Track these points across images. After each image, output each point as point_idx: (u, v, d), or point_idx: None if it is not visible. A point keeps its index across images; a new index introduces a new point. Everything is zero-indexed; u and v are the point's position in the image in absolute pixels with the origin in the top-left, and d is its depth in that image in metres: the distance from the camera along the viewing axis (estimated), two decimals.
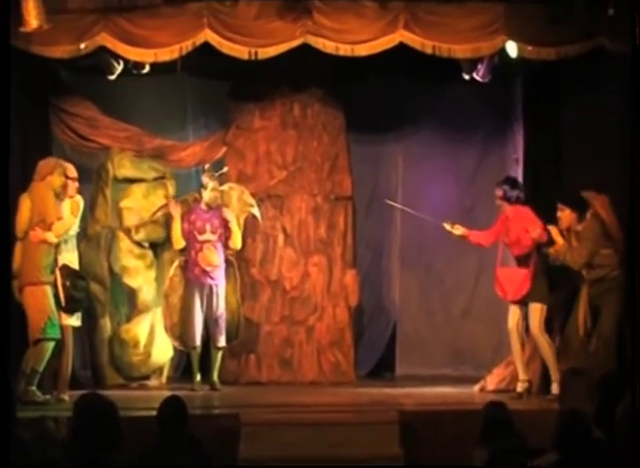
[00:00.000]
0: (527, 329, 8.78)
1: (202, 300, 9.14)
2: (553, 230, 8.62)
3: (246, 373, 9.81)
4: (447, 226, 9.07)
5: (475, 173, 10.02)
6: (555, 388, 8.47)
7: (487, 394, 8.76)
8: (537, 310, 8.66)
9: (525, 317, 8.78)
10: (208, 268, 9.14)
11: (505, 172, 9.99)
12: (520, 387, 8.73)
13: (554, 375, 8.60)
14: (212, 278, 9.17)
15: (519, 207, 8.80)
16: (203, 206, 9.29)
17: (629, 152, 4.76)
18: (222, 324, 9.23)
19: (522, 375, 8.77)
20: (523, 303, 8.75)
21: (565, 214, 8.62)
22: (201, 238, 9.18)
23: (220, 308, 9.20)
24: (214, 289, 9.17)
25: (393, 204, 9.88)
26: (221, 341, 9.24)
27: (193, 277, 9.19)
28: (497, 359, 9.45)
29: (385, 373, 10.53)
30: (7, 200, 4.70)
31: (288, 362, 9.87)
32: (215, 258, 9.17)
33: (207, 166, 9.51)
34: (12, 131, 4.64)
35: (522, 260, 8.79)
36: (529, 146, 9.86)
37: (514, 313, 8.80)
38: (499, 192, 8.84)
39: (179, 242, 9.27)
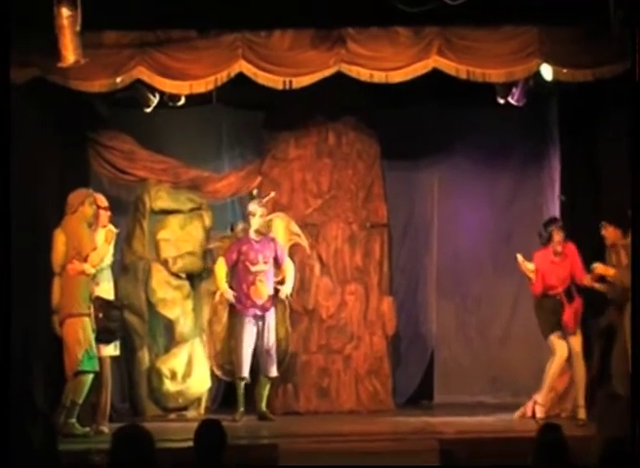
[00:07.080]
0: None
1: (252, 333, 9.06)
2: (599, 266, 8.56)
3: (283, 403, 9.77)
4: (519, 257, 8.86)
5: (512, 197, 9.99)
6: (582, 413, 8.54)
7: (526, 421, 8.71)
8: (578, 336, 8.68)
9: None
10: (259, 302, 9.10)
11: (542, 196, 9.94)
12: (539, 412, 8.76)
13: (581, 401, 8.62)
14: (263, 309, 9.10)
15: (568, 244, 8.78)
16: (252, 235, 9.19)
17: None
18: (274, 354, 9.17)
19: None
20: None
21: (609, 232, 8.63)
22: (254, 269, 9.07)
23: (272, 339, 9.13)
24: (265, 320, 9.11)
25: None
26: (273, 371, 9.18)
27: (244, 310, 9.10)
28: (535, 385, 9.37)
29: (424, 401, 10.45)
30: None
31: (325, 391, 9.83)
32: (266, 291, 9.09)
33: (255, 191, 9.50)
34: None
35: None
36: (565, 169, 9.80)
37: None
38: (560, 235, 8.70)
39: (222, 284, 9.17)
